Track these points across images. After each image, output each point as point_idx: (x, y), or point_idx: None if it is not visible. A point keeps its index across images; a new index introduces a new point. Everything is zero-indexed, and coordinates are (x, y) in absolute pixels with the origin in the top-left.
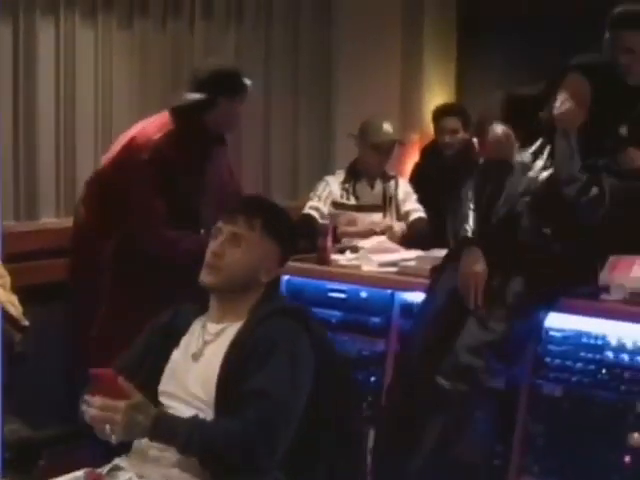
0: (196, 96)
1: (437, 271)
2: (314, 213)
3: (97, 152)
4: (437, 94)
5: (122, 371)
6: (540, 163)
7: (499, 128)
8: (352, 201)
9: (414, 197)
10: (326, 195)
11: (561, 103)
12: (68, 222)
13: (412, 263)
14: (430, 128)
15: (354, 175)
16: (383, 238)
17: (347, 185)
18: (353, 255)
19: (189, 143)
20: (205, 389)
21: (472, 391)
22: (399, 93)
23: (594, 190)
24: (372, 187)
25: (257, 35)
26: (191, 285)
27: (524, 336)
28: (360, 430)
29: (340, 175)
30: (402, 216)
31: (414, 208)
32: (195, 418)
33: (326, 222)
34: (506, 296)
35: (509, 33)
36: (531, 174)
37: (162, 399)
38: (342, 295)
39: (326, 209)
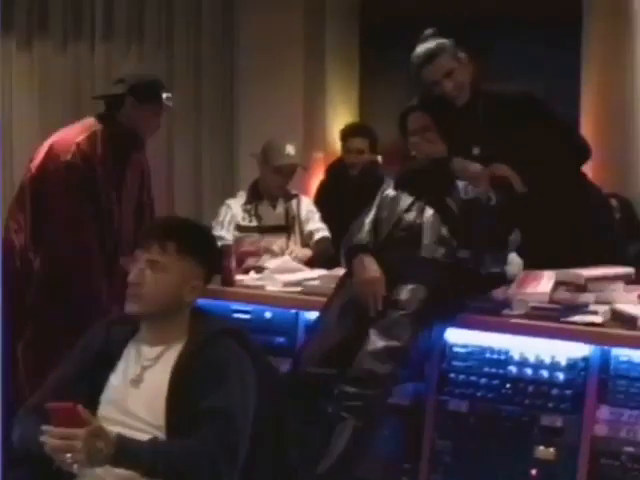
0: (109, 95)
1: (336, 288)
2: (218, 243)
3: None
4: (341, 113)
5: (55, 393)
6: None
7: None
8: (255, 223)
9: (317, 216)
10: (229, 220)
11: (415, 145)
12: None
13: (316, 282)
14: (334, 147)
15: (256, 196)
16: (287, 258)
17: (249, 207)
18: (257, 275)
19: (108, 143)
20: (151, 412)
21: (379, 396)
22: (302, 112)
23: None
24: (274, 208)
25: (158, 55)
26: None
27: (427, 346)
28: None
29: (242, 197)
30: (306, 236)
31: (318, 227)
32: (155, 440)
33: (229, 243)
34: (410, 303)
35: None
36: None
37: (102, 425)
38: (246, 316)
39: (230, 235)
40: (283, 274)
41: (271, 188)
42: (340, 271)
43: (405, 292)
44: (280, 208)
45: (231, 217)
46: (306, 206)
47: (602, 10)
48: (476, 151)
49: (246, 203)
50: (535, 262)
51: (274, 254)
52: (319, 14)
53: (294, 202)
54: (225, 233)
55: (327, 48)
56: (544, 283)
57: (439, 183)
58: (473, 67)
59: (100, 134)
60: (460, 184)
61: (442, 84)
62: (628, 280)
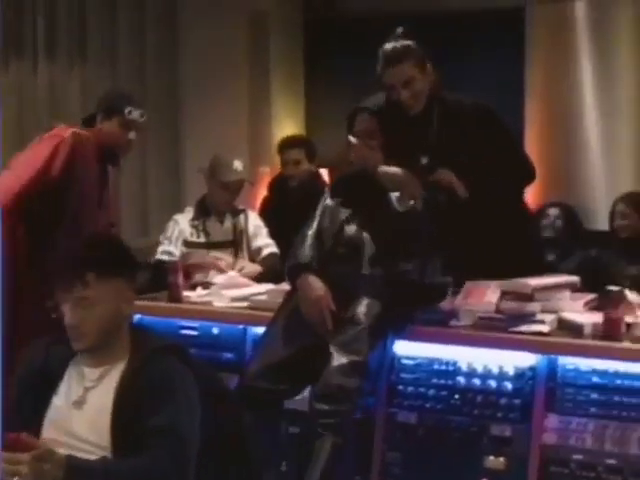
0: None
1: (283, 303)
2: (166, 257)
3: None
4: (286, 126)
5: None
6: None
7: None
8: (202, 238)
9: (265, 231)
10: (176, 235)
11: (355, 147)
12: None
13: (263, 297)
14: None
15: (203, 212)
16: (234, 273)
17: (197, 222)
18: (204, 291)
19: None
20: (96, 433)
21: (351, 410)
22: (247, 126)
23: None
24: (222, 223)
25: (102, 72)
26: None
27: (381, 359)
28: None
29: (189, 212)
30: (253, 252)
31: (266, 243)
32: (105, 459)
33: (176, 259)
34: (366, 317)
35: (357, 61)
36: None
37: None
38: (194, 332)
39: (177, 250)
40: (230, 289)
41: (218, 204)
42: (287, 285)
43: (361, 307)
44: (228, 223)
45: (179, 233)
46: (253, 221)
47: (545, 22)
48: (424, 160)
49: (194, 219)
50: (472, 272)
51: (222, 270)
52: (263, 28)
53: (242, 217)
54: (173, 248)
55: (272, 61)
56: (490, 293)
57: (371, 196)
58: (434, 77)
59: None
60: (393, 195)
61: (399, 91)
62: (574, 289)
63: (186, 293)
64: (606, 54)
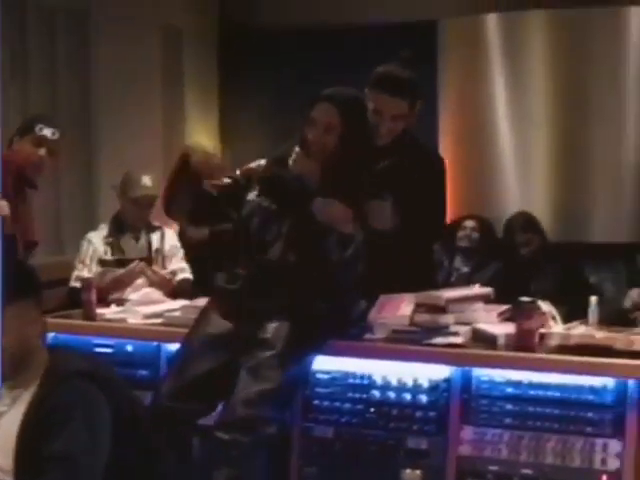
0: None
1: (197, 320)
2: (78, 285)
3: None
4: (201, 141)
5: None
6: None
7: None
8: (117, 256)
9: (181, 253)
10: (90, 255)
11: (306, 142)
12: None
13: (177, 313)
14: None
15: (117, 229)
16: (149, 289)
17: (111, 239)
18: (119, 308)
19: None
20: (4, 457)
21: (252, 442)
22: (162, 142)
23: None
24: (137, 240)
25: (12, 92)
26: None
27: (296, 381)
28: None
29: (103, 230)
30: (167, 273)
31: (180, 267)
32: None
33: (90, 276)
34: (275, 342)
35: (271, 74)
36: None
37: None
38: (108, 350)
39: (91, 274)
40: (144, 306)
41: (131, 220)
42: (202, 301)
43: (270, 330)
44: (142, 240)
45: (92, 252)
46: (170, 240)
47: (457, 35)
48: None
49: (107, 236)
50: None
51: (143, 272)
52: (176, 42)
53: (157, 234)
54: (86, 273)
55: (185, 76)
56: (404, 306)
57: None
58: (416, 114)
59: None
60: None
61: (384, 120)
62: (487, 300)
63: (100, 310)
64: (518, 66)
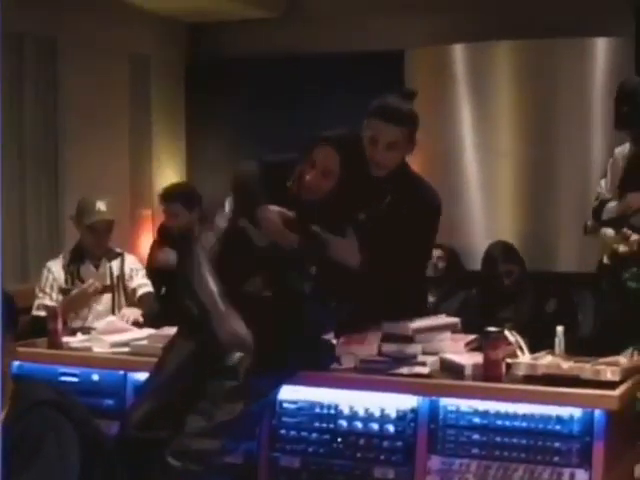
0: None
1: (166, 349)
2: (42, 313)
3: None
4: (167, 168)
5: None
6: None
7: (272, 211)
8: (78, 285)
9: (141, 272)
10: (50, 284)
11: (310, 175)
12: None
13: (144, 342)
14: None
15: (77, 257)
16: (114, 318)
17: (71, 268)
18: (84, 337)
19: None
20: None
21: (205, 471)
22: (129, 168)
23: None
24: (97, 268)
25: None
26: None
27: (259, 412)
28: None
29: (63, 258)
30: (130, 293)
31: (140, 283)
32: None
33: (55, 305)
34: (238, 372)
35: (239, 103)
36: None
37: None
38: (74, 379)
39: (53, 302)
40: (110, 335)
41: (89, 247)
42: (169, 330)
43: (235, 359)
44: (103, 268)
45: (53, 280)
46: (130, 264)
47: (424, 65)
48: (361, 216)
49: (68, 264)
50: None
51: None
52: (143, 69)
53: (118, 261)
54: (48, 301)
55: (153, 102)
56: (371, 336)
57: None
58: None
59: None
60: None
61: (380, 150)
62: (455, 330)
63: (66, 339)
64: (483, 96)
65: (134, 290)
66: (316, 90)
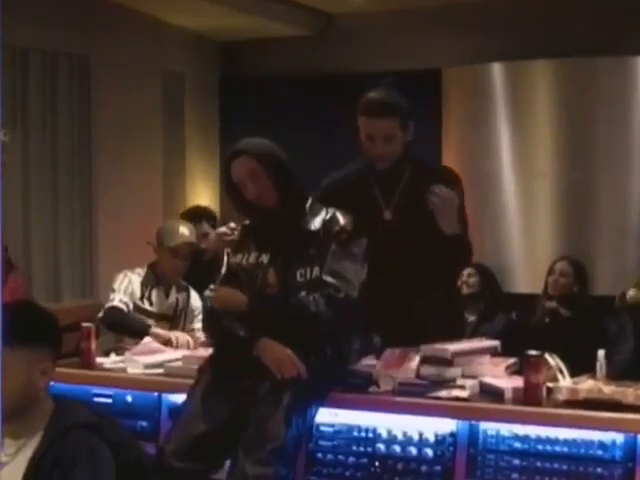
0: None
1: (201, 371)
2: (123, 306)
3: None
4: (202, 190)
5: None
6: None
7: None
8: (146, 305)
9: (201, 314)
10: (128, 291)
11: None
12: None
13: (178, 363)
14: None
15: (152, 279)
16: (148, 338)
17: (145, 288)
18: (118, 357)
19: None
20: None
21: None
22: (162, 188)
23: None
24: (167, 296)
25: (13, 136)
26: None
27: (301, 435)
28: None
29: (139, 274)
30: (187, 331)
31: (199, 327)
32: None
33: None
34: (278, 397)
35: (273, 119)
36: None
37: None
38: (108, 400)
39: (128, 306)
40: (144, 356)
41: (167, 271)
42: (203, 351)
43: (271, 385)
44: (172, 297)
45: (130, 288)
46: (195, 301)
47: (461, 83)
48: (388, 216)
49: (144, 283)
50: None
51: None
52: (177, 86)
53: (184, 294)
54: (129, 300)
55: (186, 120)
56: (410, 359)
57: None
58: (410, 134)
59: None
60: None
61: (378, 144)
62: (494, 353)
63: (99, 359)
64: (522, 115)
65: (193, 330)
66: (351, 109)
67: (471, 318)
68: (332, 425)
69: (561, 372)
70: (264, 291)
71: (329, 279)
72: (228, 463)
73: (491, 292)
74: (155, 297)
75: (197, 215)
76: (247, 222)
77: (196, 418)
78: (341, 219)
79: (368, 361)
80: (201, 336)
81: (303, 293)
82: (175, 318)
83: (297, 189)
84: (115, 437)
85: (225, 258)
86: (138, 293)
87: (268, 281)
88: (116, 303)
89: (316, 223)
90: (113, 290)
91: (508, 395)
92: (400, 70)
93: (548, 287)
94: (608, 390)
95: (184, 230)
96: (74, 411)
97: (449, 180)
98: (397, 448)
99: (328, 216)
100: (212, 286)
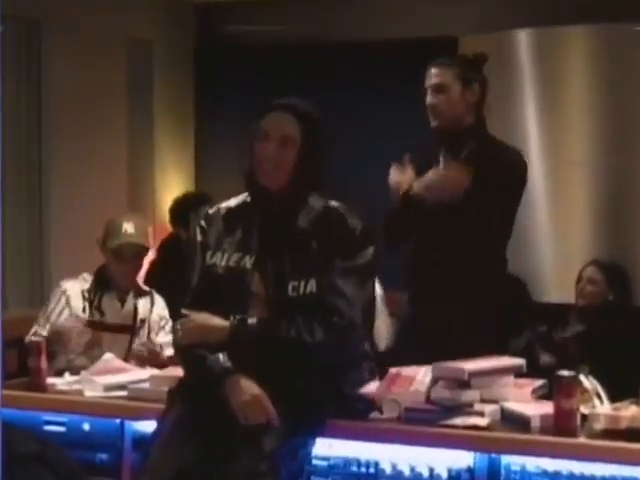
0: None
1: (171, 394)
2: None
3: None
4: (173, 178)
5: None
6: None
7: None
8: (96, 317)
9: (169, 325)
10: (59, 311)
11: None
12: None
13: (145, 385)
14: (167, 218)
15: (102, 284)
16: (110, 356)
17: (92, 296)
18: (73, 378)
19: None
20: None
21: None
22: (127, 178)
23: None
24: (122, 303)
25: None
26: None
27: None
28: None
29: (84, 281)
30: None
31: (168, 342)
32: None
33: (38, 339)
34: (262, 444)
35: (256, 100)
36: None
37: None
38: (61, 428)
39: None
40: (104, 376)
41: (115, 277)
42: (173, 371)
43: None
44: (129, 305)
45: (65, 305)
46: (160, 309)
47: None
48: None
49: (89, 290)
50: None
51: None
52: (145, 56)
53: (146, 300)
54: (45, 332)
55: (155, 94)
56: (419, 380)
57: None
58: (478, 103)
59: None
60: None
61: (429, 94)
62: (519, 373)
63: (51, 380)
64: (553, 92)
65: (160, 346)
66: (368, 76)
67: None
68: (327, 458)
69: (599, 396)
70: (247, 313)
71: (329, 300)
72: None
73: (520, 305)
74: (107, 305)
75: (182, 203)
76: (231, 204)
77: (168, 454)
78: (345, 219)
79: (370, 384)
80: (168, 352)
81: (299, 320)
82: (135, 329)
83: (311, 178)
84: (63, 470)
85: (199, 257)
86: (80, 304)
87: (251, 290)
88: (30, 336)
89: (314, 220)
90: (38, 318)
91: (535, 423)
92: (410, 38)
93: (576, 297)
94: None
95: (129, 227)
96: (14, 440)
97: (513, 168)
98: None
99: (329, 214)
100: (183, 312)
